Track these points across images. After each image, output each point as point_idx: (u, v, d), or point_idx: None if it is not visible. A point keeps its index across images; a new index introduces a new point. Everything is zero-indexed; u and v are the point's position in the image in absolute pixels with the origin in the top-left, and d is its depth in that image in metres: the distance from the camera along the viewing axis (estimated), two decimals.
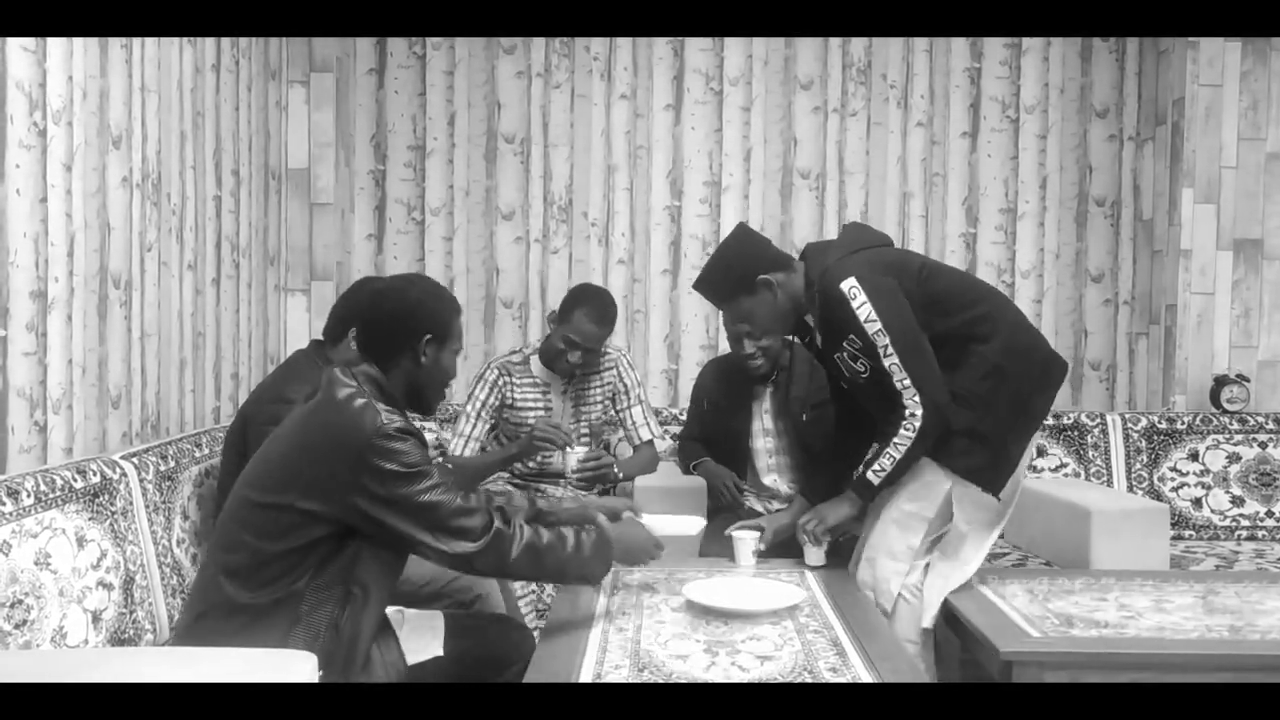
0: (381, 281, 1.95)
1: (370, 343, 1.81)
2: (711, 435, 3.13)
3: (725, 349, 3.87)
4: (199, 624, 1.70)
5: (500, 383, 3.04)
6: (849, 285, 2.18)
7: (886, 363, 2.17)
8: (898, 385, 2.17)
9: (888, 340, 2.16)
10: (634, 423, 3.16)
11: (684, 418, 3.40)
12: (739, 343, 2.80)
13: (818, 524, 2.38)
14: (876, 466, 2.24)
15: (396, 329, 1.79)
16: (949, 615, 2.22)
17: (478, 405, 3.04)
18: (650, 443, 3.18)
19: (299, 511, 1.65)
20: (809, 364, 2.99)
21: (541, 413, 3.03)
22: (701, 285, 2.47)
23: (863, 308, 2.17)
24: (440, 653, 1.88)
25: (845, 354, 2.25)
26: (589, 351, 2.95)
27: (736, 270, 2.38)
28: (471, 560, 1.73)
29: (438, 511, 1.69)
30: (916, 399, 2.17)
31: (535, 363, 3.07)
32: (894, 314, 2.18)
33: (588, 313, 2.90)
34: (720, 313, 3.82)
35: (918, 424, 2.17)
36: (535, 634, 2.18)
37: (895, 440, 2.20)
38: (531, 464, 3.07)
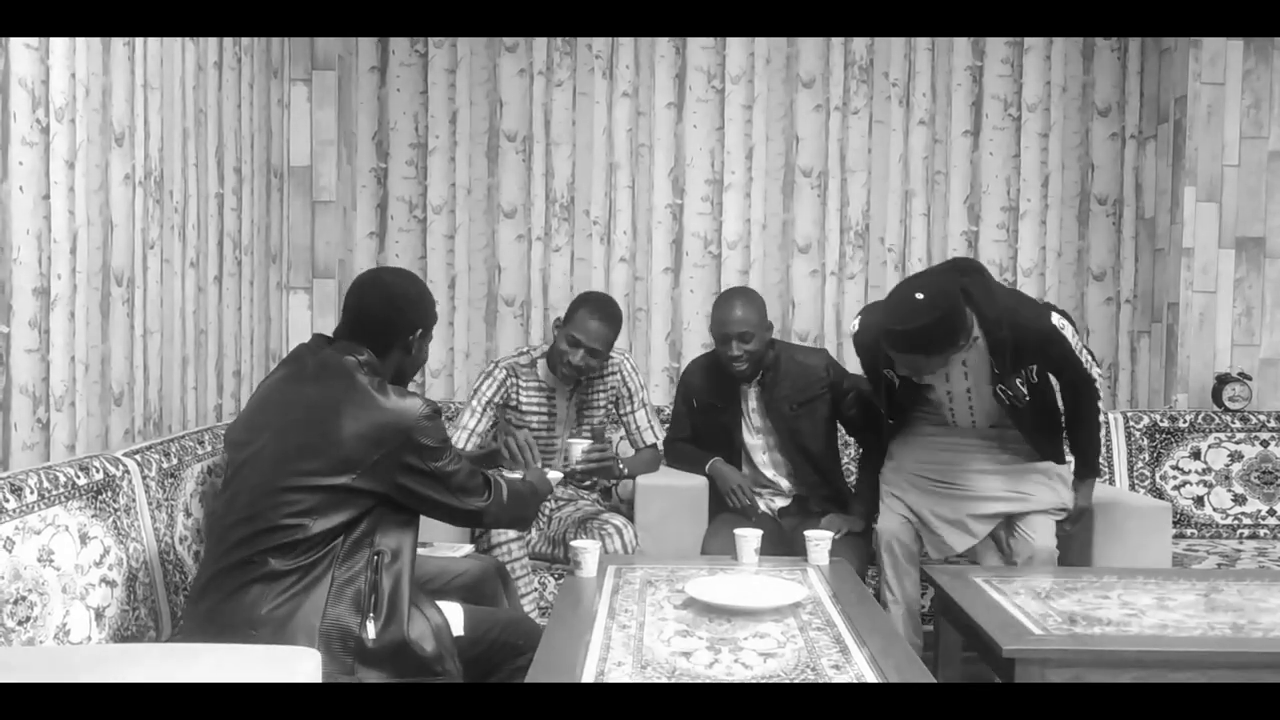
0: (382, 280, 2.08)
1: (370, 333, 1.97)
2: (702, 431, 3.15)
3: None
4: (237, 597, 1.76)
5: (508, 382, 3.03)
6: (1059, 321, 2.57)
7: (1085, 369, 2.64)
8: (1090, 374, 2.67)
9: (1082, 355, 2.63)
10: (638, 426, 3.16)
11: None
12: (727, 344, 2.95)
13: (1077, 519, 2.76)
14: (1099, 457, 2.81)
15: (398, 324, 1.99)
16: (951, 613, 2.23)
17: (483, 400, 3.03)
18: (654, 446, 3.17)
19: (350, 490, 1.80)
20: (795, 363, 3.06)
21: (545, 416, 3.02)
22: (924, 337, 2.41)
23: (1073, 337, 2.59)
24: (462, 633, 1.97)
25: (1019, 379, 2.58)
26: (592, 353, 2.88)
27: (960, 327, 2.47)
28: (483, 513, 1.98)
29: (459, 476, 1.92)
30: (1097, 374, 2.71)
31: (542, 366, 3.05)
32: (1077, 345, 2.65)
33: (590, 310, 2.89)
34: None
35: (1100, 390, 2.72)
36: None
37: (1096, 418, 2.73)
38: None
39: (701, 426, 3.16)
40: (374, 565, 1.83)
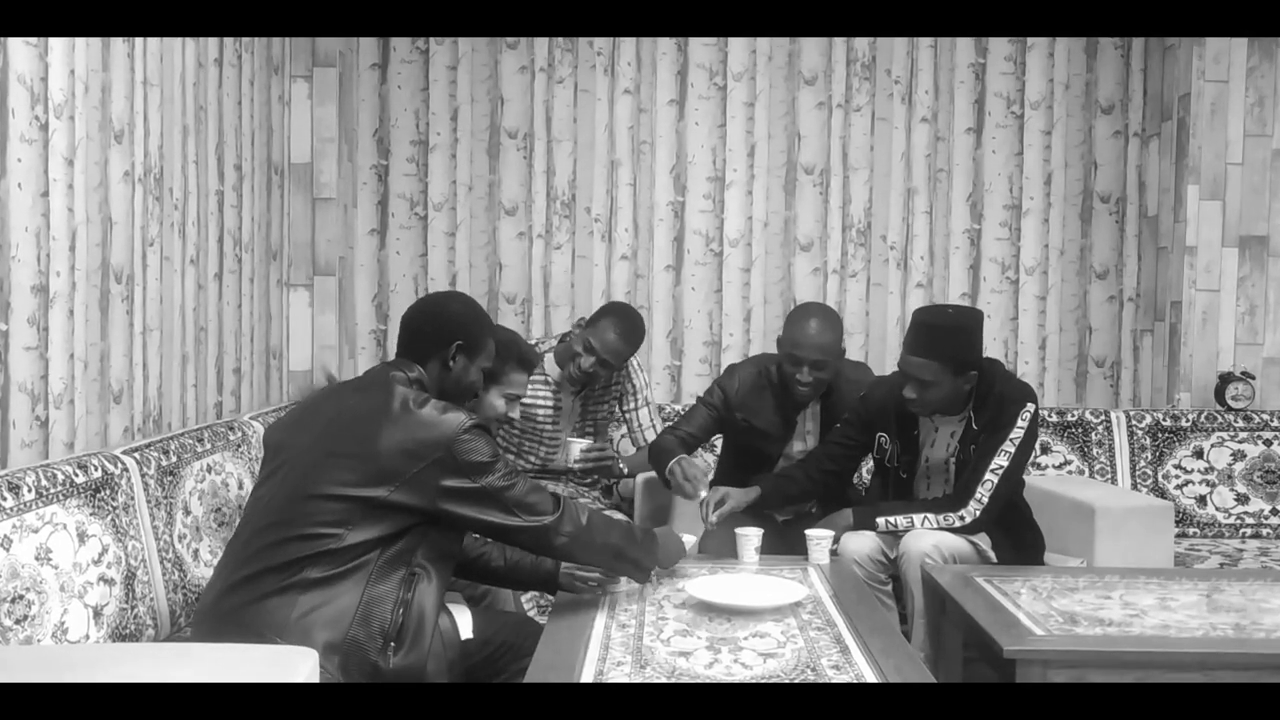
0: (426, 297, 2.17)
1: (409, 344, 1.98)
2: (736, 443, 2.98)
3: (728, 345, 3.88)
4: (267, 601, 1.72)
5: None
6: (1030, 409, 2.54)
7: (989, 473, 2.51)
8: (977, 490, 2.51)
9: (1005, 463, 2.51)
10: (640, 425, 3.15)
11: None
12: (797, 367, 2.74)
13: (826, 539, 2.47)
14: (895, 520, 2.55)
15: (432, 331, 1.97)
16: (952, 612, 2.22)
17: None
18: None
19: (386, 504, 1.76)
20: (849, 383, 2.87)
21: (550, 410, 3.02)
22: (927, 331, 2.54)
23: (1018, 431, 2.52)
24: (471, 635, 1.96)
25: (960, 430, 2.59)
26: (602, 364, 2.89)
27: (964, 352, 2.54)
28: (552, 530, 1.87)
29: (514, 491, 1.84)
30: (978, 513, 2.51)
31: (549, 360, 3.05)
32: (1024, 455, 2.56)
33: (613, 323, 2.88)
34: (724, 313, 3.85)
35: (959, 524, 2.52)
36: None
37: (937, 516, 2.53)
38: (535, 460, 3.06)
39: (745, 437, 2.93)
40: (408, 584, 1.79)
